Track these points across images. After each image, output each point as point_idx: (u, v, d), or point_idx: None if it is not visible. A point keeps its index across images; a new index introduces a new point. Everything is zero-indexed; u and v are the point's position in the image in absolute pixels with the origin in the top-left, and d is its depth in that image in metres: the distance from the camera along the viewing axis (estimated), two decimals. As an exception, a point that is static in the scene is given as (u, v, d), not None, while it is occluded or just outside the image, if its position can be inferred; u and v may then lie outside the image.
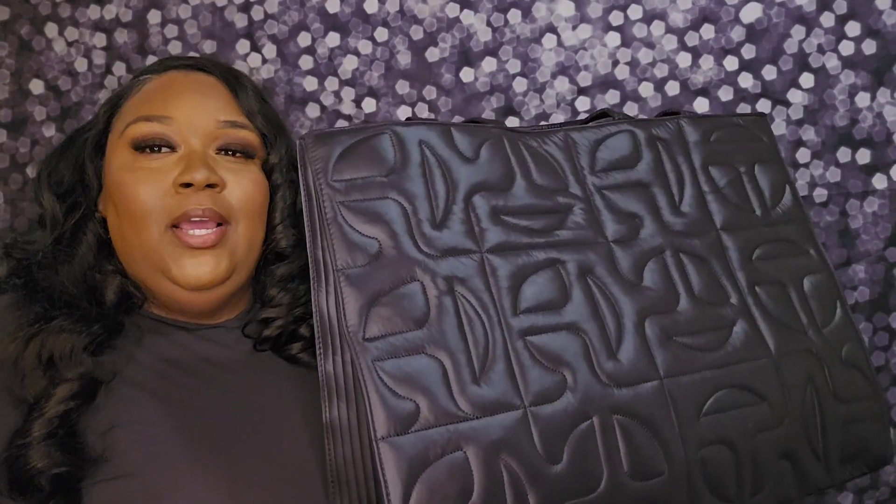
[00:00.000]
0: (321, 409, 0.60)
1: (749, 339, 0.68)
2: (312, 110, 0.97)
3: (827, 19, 0.93)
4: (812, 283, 0.74)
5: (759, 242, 0.73)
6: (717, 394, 0.65)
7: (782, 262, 0.73)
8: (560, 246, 0.65)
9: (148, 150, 0.68)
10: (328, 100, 0.97)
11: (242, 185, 0.69)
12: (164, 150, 0.68)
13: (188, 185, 0.65)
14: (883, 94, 0.92)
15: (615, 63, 0.95)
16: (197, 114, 0.69)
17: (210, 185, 0.66)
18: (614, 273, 0.66)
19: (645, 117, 0.75)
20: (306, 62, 0.97)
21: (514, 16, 0.95)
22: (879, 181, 0.92)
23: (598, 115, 0.76)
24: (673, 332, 0.65)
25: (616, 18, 0.95)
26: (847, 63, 0.92)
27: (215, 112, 0.70)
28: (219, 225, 0.67)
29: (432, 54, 0.96)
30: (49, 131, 1.00)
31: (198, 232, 0.66)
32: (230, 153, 0.70)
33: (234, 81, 0.73)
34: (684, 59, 0.94)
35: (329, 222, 0.59)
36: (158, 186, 0.66)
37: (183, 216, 0.65)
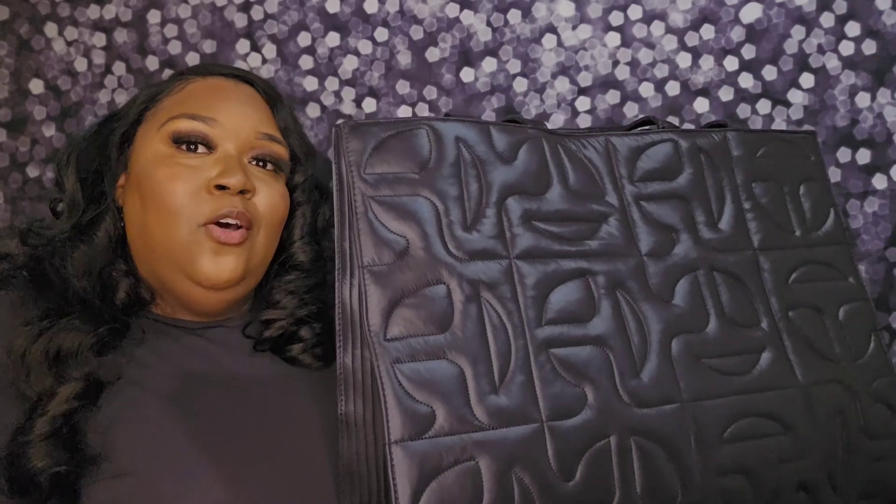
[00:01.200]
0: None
1: (777, 365, 0.66)
2: (313, 110, 0.97)
3: (827, 19, 0.93)
4: (847, 311, 0.72)
5: (797, 265, 0.71)
6: (741, 421, 0.63)
7: (819, 287, 0.71)
8: (591, 256, 0.63)
9: (186, 146, 0.69)
10: (328, 100, 0.97)
11: (270, 196, 0.70)
12: (200, 148, 0.69)
13: (223, 187, 0.67)
14: (883, 95, 0.92)
15: (615, 63, 0.95)
16: (240, 121, 0.70)
17: (243, 191, 0.68)
18: (645, 288, 0.64)
19: (691, 127, 0.74)
20: (306, 62, 0.97)
21: (514, 16, 0.95)
22: (880, 181, 0.92)
23: (641, 122, 0.74)
24: (700, 353, 0.64)
25: (616, 18, 0.95)
26: (847, 63, 0.92)
27: (257, 123, 0.71)
28: (241, 227, 0.68)
29: (432, 54, 0.96)
30: (49, 131, 1.00)
31: (227, 231, 0.67)
32: (262, 164, 0.72)
33: (274, 97, 0.75)
34: (684, 60, 0.94)
35: (359, 217, 0.58)
36: (193, 185, 0.67)
37: (219, 216, 0.66)
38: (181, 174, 0.67)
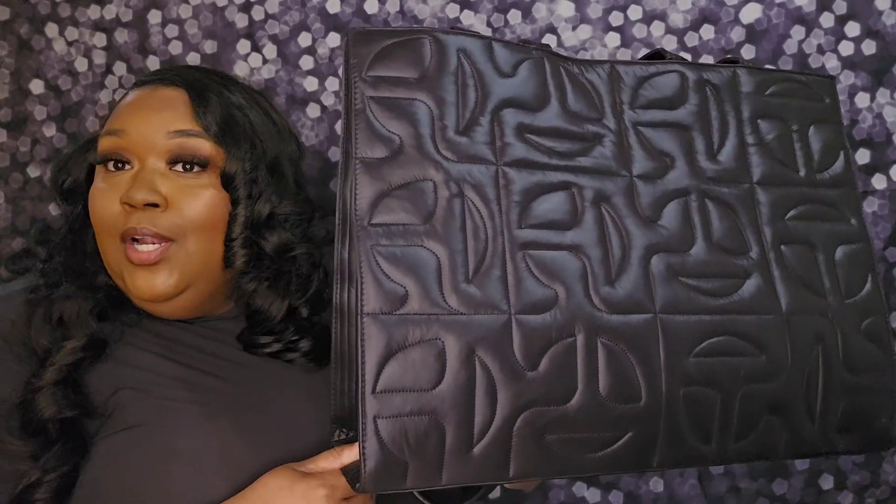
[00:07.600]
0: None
1: (760, 293, 0.68)
2: (313, 110, 0.97)
3: (827, 20, 0.93)
4: (846, 252, 0.74)
5: (797, 202, 0.73)
6: (713, 339, 0.66)
7: (818, 226, 0.73)
8: (580, 171, 0.66)
9: (112, 164, 0.69)
10: (329, 100, 0.97)
11: (191, 204, 0.68)
12: (126, 166, 0.69)
13: (131, 203, 0.67)
14: (882, 95, 0.92)
15: (615, 63, 0.95)
16: (146, 126, 0.69)
17: (151, 205, 0.67)
18: (631, 207, 0.67)
19: (701, 62, 0.75)
20: (307, 62, 0.97)
21: (514, 16, 0.95)
22: (879, 181, 0.92)
23: (652, 55, 0.77)
24: (680, 271, 0.66)
25: (616, 19, 0.95)
26: (847, 63, 0.93)
27: (165, 124, 0.69)
28: (163, 242, 0.67)
29: (433, 54, 0.96)
30: (49, 131, 1.00)
31: (140, 248, 0.67)
32: (185, 167, 0.69)
33: (199, 91, 0.71)
34: (684, 60, 0.94)
35: (357, 114, 0.62)
36: (111, 202, 0.68)
37: (126, 233, 0.67)
38: (103, 193, 0.69)
